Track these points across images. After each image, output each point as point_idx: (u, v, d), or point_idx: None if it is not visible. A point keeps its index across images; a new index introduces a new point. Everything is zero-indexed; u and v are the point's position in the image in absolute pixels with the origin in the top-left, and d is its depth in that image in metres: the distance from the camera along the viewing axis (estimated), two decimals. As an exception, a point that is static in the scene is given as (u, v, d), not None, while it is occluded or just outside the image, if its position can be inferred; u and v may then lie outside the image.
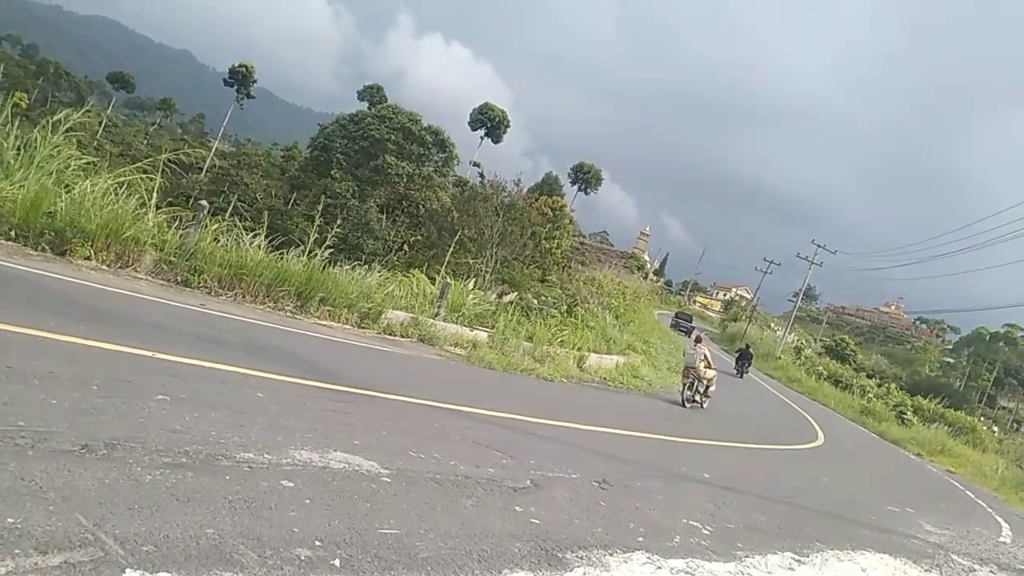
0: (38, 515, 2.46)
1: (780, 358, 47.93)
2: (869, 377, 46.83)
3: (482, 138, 68.97)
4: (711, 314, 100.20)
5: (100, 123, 56.89)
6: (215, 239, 10.16)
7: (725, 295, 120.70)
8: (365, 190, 35.36)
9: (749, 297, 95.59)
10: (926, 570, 6.63)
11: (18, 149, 9.28)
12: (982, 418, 41.45)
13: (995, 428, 37.92)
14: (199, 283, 9.23)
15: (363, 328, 10.92)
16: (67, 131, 10.05)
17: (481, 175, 29.79)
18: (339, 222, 15.01)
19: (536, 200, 34.30)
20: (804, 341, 68.69)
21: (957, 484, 17.76)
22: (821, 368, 45.38)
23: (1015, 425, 52.60)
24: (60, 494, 2.67)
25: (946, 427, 31.34)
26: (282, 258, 10.67)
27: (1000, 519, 12.76)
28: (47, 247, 8.05)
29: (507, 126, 68.85)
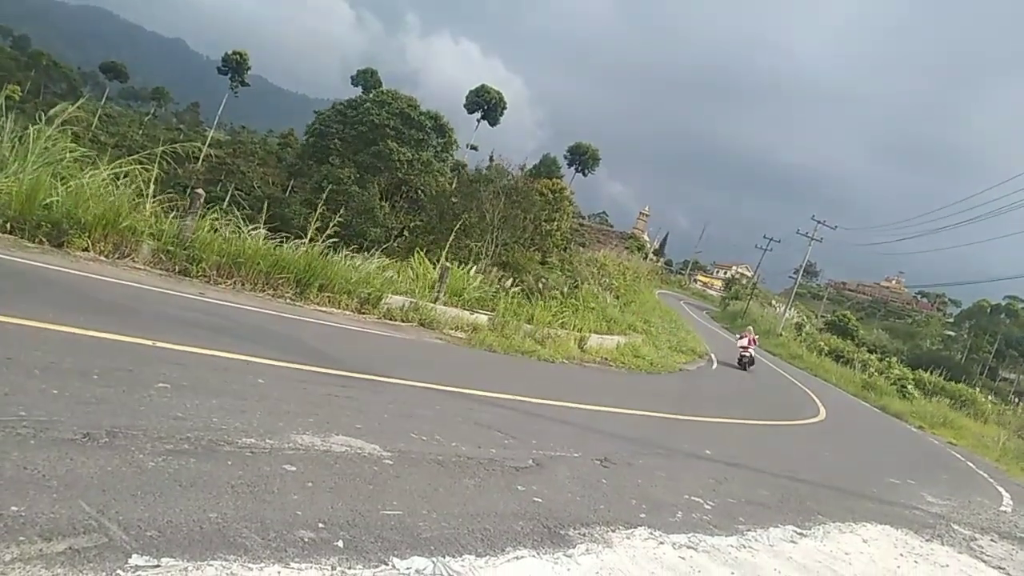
0: (42, 503, 2.48)
1: (781, 335, 47.97)
2: (870, 352, 46.88)
3: (479, 120, 68.58)
4: (712, 293, 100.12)
5: (95, 114, 56.60)
6: (213, 228, 10.14)
7: (726, 273, 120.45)
8: (365, 176, 35.20)
9: (750, 275, 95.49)
10: (927, 540, 6.69)
11: (13, 142, 9.25)
12: (983, 390, 41.55)
13: (992, 398, 37.93)
14: (198, 272, 9.23)
15: (363, 313, 10.93)
16: (62, 123, 10.01)
17: (491, 158, 29.52)
18: (342, 210, 14.97)
19: (536, 182, 34.15)
20: (805, 317, 68.76)
21: (958, 456, 17.86)
22: (822, 344, 45.44)
23: (1016, 397, 52.71)
24: (63, 482, 2.69)
25: (947, 400, 31.44)
26: (280, 246, 10.66)
27: (1001, 489, 12.85)
28: (44, 239, 8.04)
29: (504, 108, 68.36)
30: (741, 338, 25.69)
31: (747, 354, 24.16)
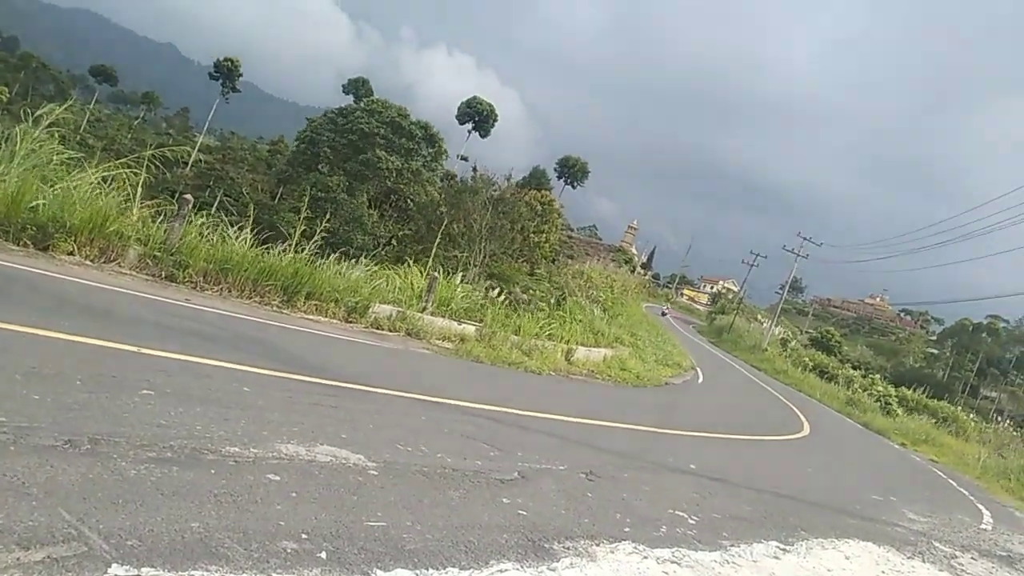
0: (20, 510, 2.45)
1: (767, 350, 48.29)
2: (854, 368, 47.24)
3: (470, 132, 68.76)
4: (699, 307, 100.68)
5: (83, 117, 56.24)
6: (200, 234, 10.09)
7: (712, 288, 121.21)
8: (353, 184, 35.13)
9: (736, 290, 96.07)
10: (909, 557, 6.73)
11: (-1, 143, 9.17)
12: (964, 408, 41.94)
13: (973, 416, 38.22)
14: (184, 278, 9.16)
15: (350, 322, 10.88)
16: (49, 125, 9.93)
17: (474, 168, 29.56)
18: (328, 216, 14.94)
19: (525, 194, 34.25)
20: (790, 333, 69.22)
21: (940, 473, 18.00)
22: (807, 359, 45.76)
23: (996, 414, 53.24)
24: (43, 489, 2.66)
25: (930, 417, 31.72)
26: (268, 253, 10.61)
27: (981, 507, 12.95)
28: (29, 242, 7.95)
29: (495, 119, 68.70)
30: (666, 308, 68.28)
31: (667, 313, 61.20)
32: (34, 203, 8.19)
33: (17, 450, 2.92)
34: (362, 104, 41.48)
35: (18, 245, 7.85)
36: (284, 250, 10.93)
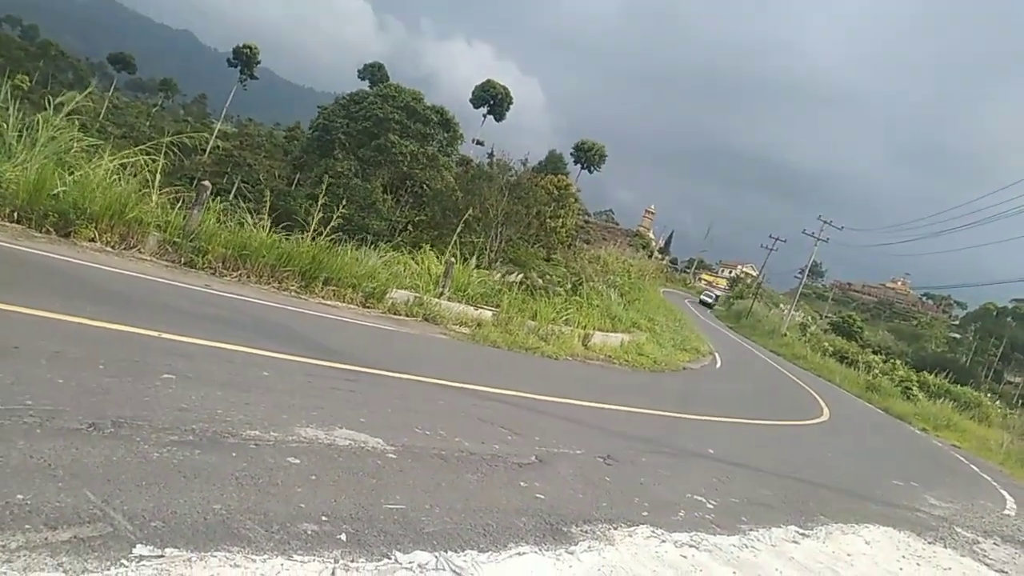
0: (47, 492, 2.49)
1: (786, 335, 47.86)
2: (875, 353, 46.63)
3: (485, 116, 68.44)
4: (717, 292, 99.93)
5: (103, 105, 56.79)
6: (219, 220, 10.16)
7: (731, 272, 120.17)
8: (368, 170, 35.13)
9: (755, 274, 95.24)
10: (930, 543, 6.67)
11: (20, 131, 9.27)
12: (988, 393, 41.36)
13: (997, 402, 37.66)
14: (203, 264, 9.24)
15: (368, 308, 10.93)
16: (69, 113, 10.02)
17: (490, 154, 29.40)
18: (344, 202, 14.95)
19: (542, 179, 34.08)
20: (810, 318, 68.58)
21: (962, 458, 17.81)
22: (827, 344, 45.26)
23: (1021, 400, 52.48)
24: (68, 471, 2.70)
25: (952, 402, 31.33)
26: (287, 239, 10.66)
27: (1005, 492, 12.82)
28: (51, 229, 8.05)
29: (510, 103, 68.28)
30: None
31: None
32: (55, 190, 8.27)
33: (43, 433, 2.97)
34: (375, 90, 41.38)
35: (41, 232, 7.95)
36: (302, 236, 10.98)
